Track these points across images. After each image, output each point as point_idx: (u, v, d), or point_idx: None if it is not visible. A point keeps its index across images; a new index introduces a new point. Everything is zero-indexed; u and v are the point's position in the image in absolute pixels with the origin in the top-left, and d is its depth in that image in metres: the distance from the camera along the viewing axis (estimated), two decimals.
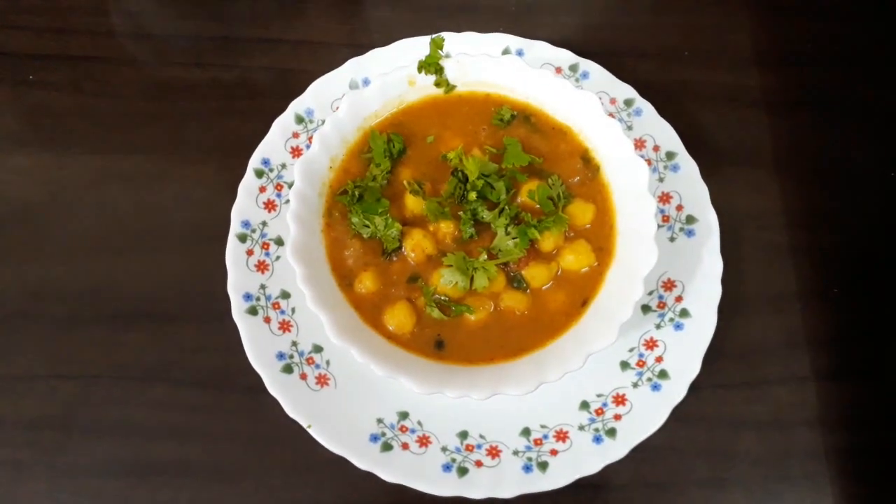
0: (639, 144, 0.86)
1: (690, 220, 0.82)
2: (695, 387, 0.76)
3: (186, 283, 0.84)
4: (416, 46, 0.87)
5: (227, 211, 0.82)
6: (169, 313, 0.83)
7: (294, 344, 0.77)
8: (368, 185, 0.77)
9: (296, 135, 0.86)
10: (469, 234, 0.75)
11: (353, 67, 0.87)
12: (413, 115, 0.82)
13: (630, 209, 0.76)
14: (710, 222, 0.81)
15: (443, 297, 0.74)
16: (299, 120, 0.86)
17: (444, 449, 0.74)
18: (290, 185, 0.82)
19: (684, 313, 0.79)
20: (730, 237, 0.83)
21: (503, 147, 0.79)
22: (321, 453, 0.73)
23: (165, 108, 0.94)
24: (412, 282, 0.75)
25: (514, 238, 0.75)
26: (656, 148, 0.86)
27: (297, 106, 0.86)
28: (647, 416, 0.74)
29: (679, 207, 0.84)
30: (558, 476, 0.73)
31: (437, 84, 0.81)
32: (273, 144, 0.85)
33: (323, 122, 0.81)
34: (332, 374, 0.76)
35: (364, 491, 0.76)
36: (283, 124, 0.85)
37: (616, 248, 0.76)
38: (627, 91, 0.88)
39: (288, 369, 0.76)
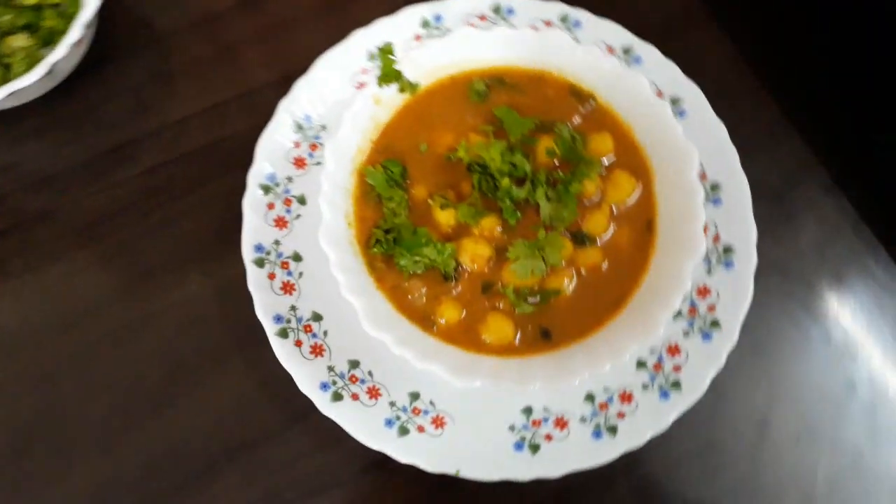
0: None
1: (715, 188, 0.80)
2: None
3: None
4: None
5: None
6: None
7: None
8: (395, 223, 0.71)
9: (270, 206, 0.79)
10: (515, 220, 0.72)
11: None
12: (394, 131, 0.76)
13: (643, 123, 0.75)
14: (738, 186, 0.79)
15: (525, 291, 0.71)
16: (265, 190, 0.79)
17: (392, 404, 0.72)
18: (295, 259, 0.77)
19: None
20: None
21: (498, 121, 0.75)
22: None
23: None
24: (488, 291, 0.72)
25: (558, 201, 0.72)
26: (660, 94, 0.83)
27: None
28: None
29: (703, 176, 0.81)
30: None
31: (402, 90, 0.75)
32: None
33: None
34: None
35: None
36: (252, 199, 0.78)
37: (650, 160, 0.75)
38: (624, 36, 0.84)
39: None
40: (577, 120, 0.77)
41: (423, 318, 0.70)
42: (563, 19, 0.85)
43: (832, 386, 0.83)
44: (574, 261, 0.72)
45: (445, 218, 0.72)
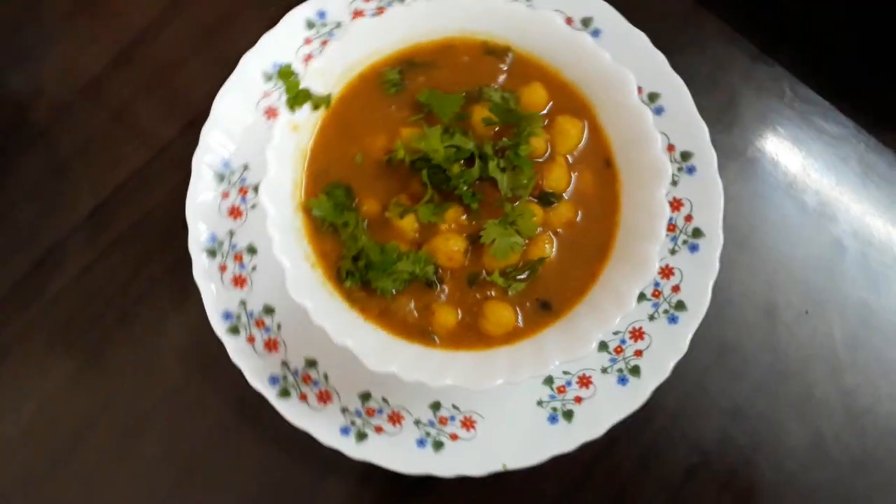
0: None
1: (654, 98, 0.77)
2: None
3: None
4: None
5: None
6: None
7: None
8: (360, 248, 0.67)
9: (223, 267, 0.74)
10: (477, 202, 0.69)
11: None
12: (323, 153, 0.71)
13: (567, 60, 0.71)
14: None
15: (511, 269, 0.68)
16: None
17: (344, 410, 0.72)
18: (267, 311, 0.74)
19: None
20: None
21: (424, 106, 0.71)
22: None
23: None
24: (474, 283, 0.69)
25: (512, 169, 0.68)
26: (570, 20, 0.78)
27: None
28: None
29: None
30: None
31: (316, 106, 0.70)
32: None
33: None
34: None
35: None
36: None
37: (587, 96, 0.72)
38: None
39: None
40: (501, 79, 0.73)
41: (422, 333, 0.67)
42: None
43: (821, 251, 0.84)
44: (548, 223, 0.70)
45: (408, 225, 0.68)
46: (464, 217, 0.69)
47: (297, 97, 0.68)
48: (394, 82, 0.72)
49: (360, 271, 0.67)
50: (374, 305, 0.68)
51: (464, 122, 0.70)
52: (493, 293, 0.68)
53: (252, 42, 0.78)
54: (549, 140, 0.71)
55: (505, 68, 0.73)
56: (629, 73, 0.69)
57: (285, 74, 0.67)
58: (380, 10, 0.78)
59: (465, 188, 0.68)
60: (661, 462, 0.78)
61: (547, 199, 0.70)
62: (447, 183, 0.68)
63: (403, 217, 0.68)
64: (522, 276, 0.69)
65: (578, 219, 0.70)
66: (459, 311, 0.68)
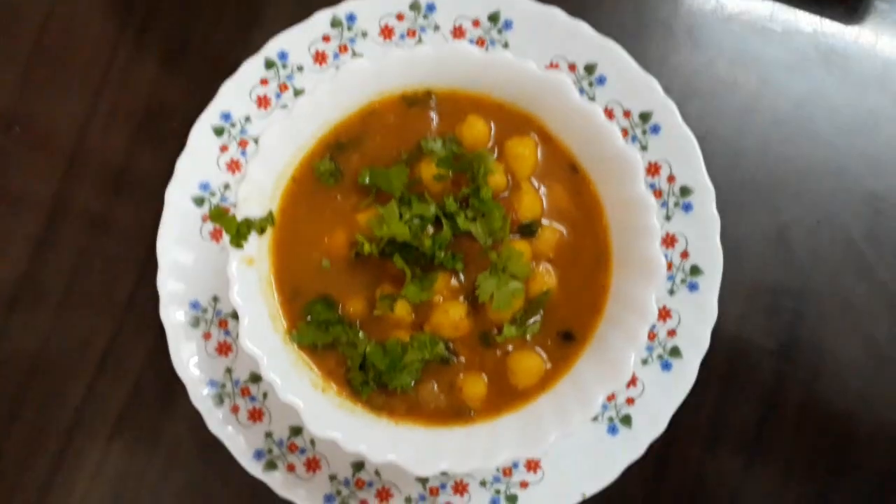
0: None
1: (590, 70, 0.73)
2: None
3: None
4: None
5: None
6: None
7: None
8: (366, 359, 0.64)
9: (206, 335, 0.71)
10: (460, 262, 0.65)
11: None
12: (287, 273, 0.67)
13: (485, 80, 0.66)
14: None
15: (519, 315, 0.65)
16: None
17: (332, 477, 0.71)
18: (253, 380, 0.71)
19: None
20: None
21: (371, 187, 0.66)
22: None
23: None
24: (487, 341, 0.65)
25: (482, 215, 0.64)
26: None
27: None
28: None
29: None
30: None
31: (262, 230, 0.65)
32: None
33: None
34: None
35: None
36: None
37: (529, 110, 0.67)
38: None
39: None
40: (434, 125, 0.68)
41: (458, 414, 0.65)
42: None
43: (812, 157, 0.80)
44: (538, 253, 0.66)
45: (402, 312, 0.64)
46: (453, 282, 0.66)
47: (239, 232, 0.63)
48: (329, 172, 0.67)
49: (373, 379, 0.64)
50: (399, 405, 0.65)
51: (415, 185, 0.66)
52: (511, 347, 0.65)
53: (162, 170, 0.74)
54: (506, 170, 0.66)
55: (433, 114, 0.68)
56: (562, 78, 0.64)
57: (217, 215, 0.62)
58: (281, 99, 0.73)
59: (442, 254, 0.64)
60: (729, 427, 0.76)
61: (528, 230, 0.66)
62: (423, 257, 0.64)
63: (395, 308, 0.64)
64: (535, 318, 0.65)
65: (566, 235, 0.67)
66: (485, 376, 0.65)
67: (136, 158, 0.82)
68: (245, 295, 0.63)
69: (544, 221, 0.67)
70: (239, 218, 0.63)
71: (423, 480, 0.72)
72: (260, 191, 0.65)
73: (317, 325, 0.65)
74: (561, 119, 0.65)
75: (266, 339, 0.63)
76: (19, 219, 0.81)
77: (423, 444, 0.63)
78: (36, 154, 0.82)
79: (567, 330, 0.65)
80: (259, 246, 0.65)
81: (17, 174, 0.82)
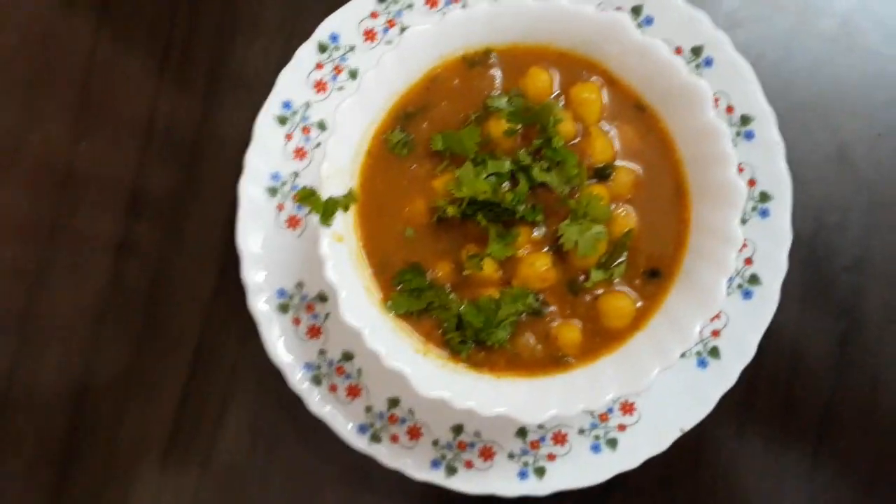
0: None
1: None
2: None
3: None
4: None
5: None
6: None
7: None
8: (462, 319, 0.66)
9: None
10: (541, 214, 0.66)
11: None
12: (373, 244, 0.68)
13: (552, 30, 0.67)
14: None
15: (604, 258, 0.66)
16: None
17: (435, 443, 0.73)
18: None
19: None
20: None
21: (445, 152, 0.67)
22: None
23: None
24: (576, 288, 0.67)
25: (556, 165, 0.65)
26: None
27: None
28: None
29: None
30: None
31: (346, 208, 0.67)
32: None
33: None
34: None
35: None
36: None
37: (591, 56, 0.68)
38: None
39: None
40: (498, 82, 0.69)
41: (556, 362, 0.66)
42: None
43: (861, 71, 0.80)
44: (615, 195, 0.67)
45: (489, 270, 0.66)
46: (535, 233, 0.67)
47: (326, 210, 0.64)
48: (402, 142, 0.68)
49: (469, 337, 0.65)
50: (498, 360, 0.67)
51: (487, 144, 0.67)
52: (600, 290, 0.67)
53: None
54: (574, 117, 0.67)
55: (495, 72, 0.69)
56: (621, 16, 0.65)
57: (305, 196, 0.64)
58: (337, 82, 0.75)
59: (522, 208, 0.65)
60: (813, 346, 0.78)
61: (603, 173, 0.67)
62: (504, 213, 0.66)
63: (482, 266, 0.65)
64: (620, 260, 0.66)
65: (641, 173, 0.68)
66: (579, 322, 0.67)
67: (204, 161, 0.83)
68: (339, 270, 0.64)
69: (618, 163, 0.68)
70: (324, 197, 0.64)
71: (523, 435, 0.73)
72: (338, 170, 0.66)
73: (409, 292, 0.66)
74: (622, 59, 0.66)
75: (364, 312, 0.65)
76: (96, 225, 0.83)
77: (528, 394, 0.64)
78: (98, 193, 0.84)
79: (653, 267, 0.66)
80: (345, 222, 0.67)
81: (85, 207, 0.84)
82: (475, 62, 0.68)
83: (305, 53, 0.76)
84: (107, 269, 0.83)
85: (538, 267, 0.65)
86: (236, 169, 0.76)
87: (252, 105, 0.77)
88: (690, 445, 0.74)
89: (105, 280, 0.83)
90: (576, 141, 0.68)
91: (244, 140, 0.76)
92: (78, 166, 0.84)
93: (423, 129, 0.68)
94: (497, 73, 0.69)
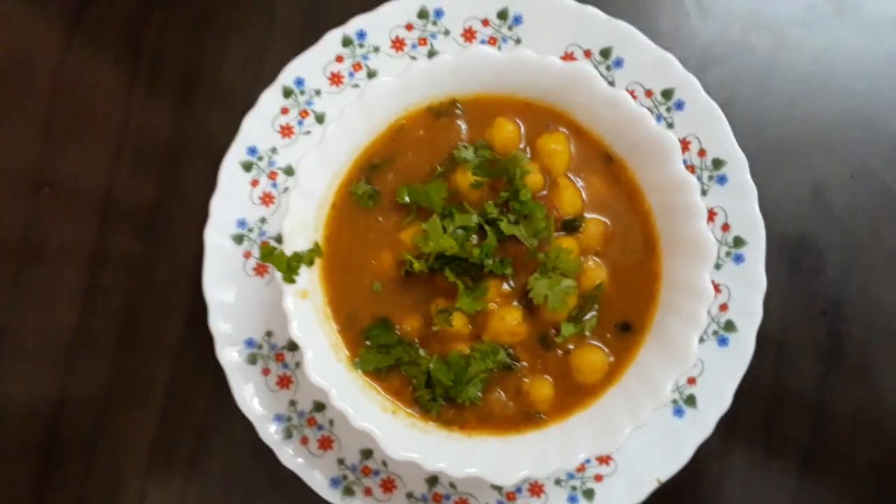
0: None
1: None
2: None
3: None
4: None
5: None
6: None
7: None
8: (431, 377, 0.64)
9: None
10: (510, 267, 0.65)
11: None
12: (341, 299, 0.67)
13: (517, 79, 0.66)
14: None
15: (575, 312, 0.65)
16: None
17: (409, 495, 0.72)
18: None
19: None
20: None
21: (411, 205, 0.66)
22: None
23: None
24: (546, 343, 0.66)
25: (525, 217, 0.64)
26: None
27: None
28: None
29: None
30: None
31: (310, 262, 0.65)
32: None
33: None
34: None
35: None
36: None
37: (558, 106, 0.67)
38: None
39: None
40: (464, 133, 0.68)
41: (529, 419, 0.65)
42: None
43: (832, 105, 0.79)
44: (584, 248, 0.66)
45: (460, 325, 0.65)
46: (504, 286, 0.66)
47: (290, 267, 0.63)
48: (367, 194, 0.67)
49: (439, 395, 0.64)
50: (469, 417, 0.65)
51: (454, 196, 0.66)
52: (571, 346, 0.65)
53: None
54: (541, 168, 0.66)
55: (461, 122, 0.68)
56: (586, 67, 0.64)
57: (267, 255, 0.62)
58: (303, 126, 0.74)
59: (491, 262, 0.64)
60: (791, 392, 0.77)
61: (571, 226, 0.66)
62: (473, 267, 0.64)
63: (451, 321, 0.64)
64: (591, 313, 0.65)
65: (610, 226, 0.67)
66: (550, 378, 0.65)
67: (167, 200, 0.82)
68: (304, 328, 0.63)
69: (587, 215, 0.66)
70: (287, 253, 0.63)
71: (499, 487, 0.72)
72: (303, 223, 0.65)
73: (377, 348, 0.65)
74: (589, 109, 0.65)
75: (331, 370, 0.64)
76: (62, 273, 0.81)
77: (500, 453, 0.63)
78: (68, 210, 0.82)
79: (625, 321, 0.65)
80: (309, 279, 0.65)
81: (53, 232, 0.82)
82: (441, 113, 0.67)
83: (270, 98, 0.74)
84: (78, 302, 0.81)
85: (508, 321, 0.64)
86: (204, 207, 0.74)
87: (222, 135, 0.76)
88: (667, 496, 0.73)
89: (76, 318, 0.81)
90: (543, 193, 0.66)
91: (214, 172, 0.74)
92: (50, 179, 0.82)
93: (390, 181, 0.67)
94: (463, 124, 0.68)
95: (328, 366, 0.64)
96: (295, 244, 0.64)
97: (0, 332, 0.81)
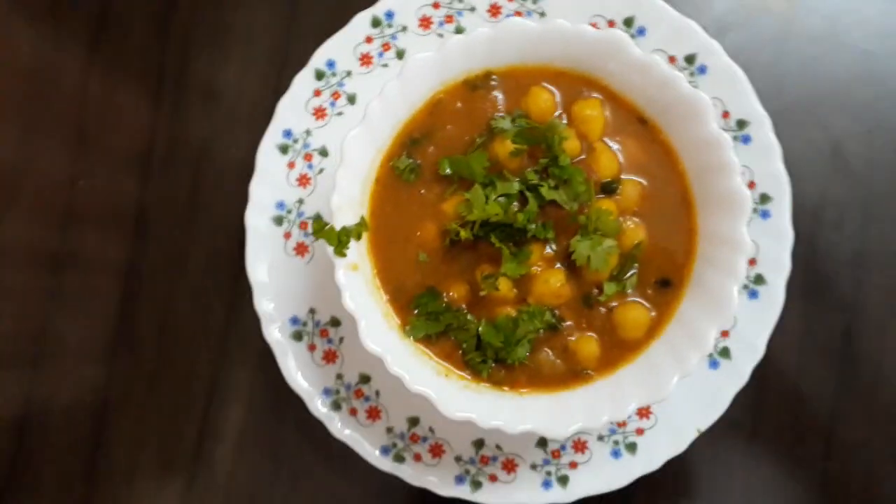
0: None
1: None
2: None
3: None
4: None
5: None
6: None
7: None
8: (481, 339, 0.67)
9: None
10: (552, 230, 0.67)
11: None
12: (389, 271, 0.69)
13: (549, 48, 0.68)
14: None
15: (616, 270, 0.67)
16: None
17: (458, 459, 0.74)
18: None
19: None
20: None
21: (453, 177, 0.68)
22: None
23: None
24: (590, 302, 0.68)
25: (564, 182, 0.66)
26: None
27: None
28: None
29: None
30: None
31: (358, 236, 0.67)
32: None
33: None
34: None
35: None
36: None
37: (590, 72, 0.69)
38: None
39: None
40: (501, 104, 0.70)
41: (577, 375, 0.67)
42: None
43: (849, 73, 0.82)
44: (623, 209, 0.68)
45: (505, 289, 0.67)
46: (547, 250, 0.68)
47: (340, 241, 0.65)
48: (409, 168, 0.69)
49: (489, 356, 0.67)
50: (519, 377, 0.68)
51: (494, 165, 0.68)
52: (614, 303, 0.68)
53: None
54: (577, 134, 0.68)
55: (497, 94, 0.70)
56: (619, 33, 0.66)
57: (318, 230, 0.64)
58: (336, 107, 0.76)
59: (533, 226, 0.66)
60: (819, 341, 0.80)
61: (609, 188, 0.68)
62: (516, 232, 0.66)
63: (498, 286, 0.66)
64: (631, 272, 0.68)
65: (647, 185, 0.69)
66: (595, 335, 0.68)
67: (199, 194, 0.84)
68: (356, 299, 0.65)
69: (624, 177, 0.69)
70: (337, 228, 0.65)
71: (544, 445, 0.75)
72: (350, 198, 0.67)
73: (427, 316, 0.67)
74: (622, 75, 0.67)
75: (383, 338, 0.66)
76: (100, 273, 0.83)
77: (551, 408, 0.66)
78: (102, 212, 0.84)
79: (664, 277, 0.68)
80: (358, 251, 0.67)
81: (90, 233, 0.84)
82: (477, 85, 0.69)
83: (303, 81, 0.76)
84: (116, 303, 0.83)
85: (552, 283, 0.66)
86: (238, 198, 0.77)
87: (251, 132, 0.78)
88: (706, 445, 0.76)
89: (115, 317, 0.83)
90: (581, 157, 0.69)
91: (245, 168, 0.76)
92: (78, 201, 0.84)
93: (430, 154, 0.69)
94: (499, 95, 0.70)
95: (381, 334, 0.66)
96: (343, 219, 0.66)
97: (42, 333, 0.83)
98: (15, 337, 0.83)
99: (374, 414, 0.75)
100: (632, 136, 0.69)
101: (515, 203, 0.67)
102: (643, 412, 0.74)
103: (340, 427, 0.74)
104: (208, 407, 0.82)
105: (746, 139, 0.75)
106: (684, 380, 0.71)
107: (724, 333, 0.74)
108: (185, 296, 0.83)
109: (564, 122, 0.69)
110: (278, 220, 0.76)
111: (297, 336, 0.76)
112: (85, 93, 0.85)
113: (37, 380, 0.83)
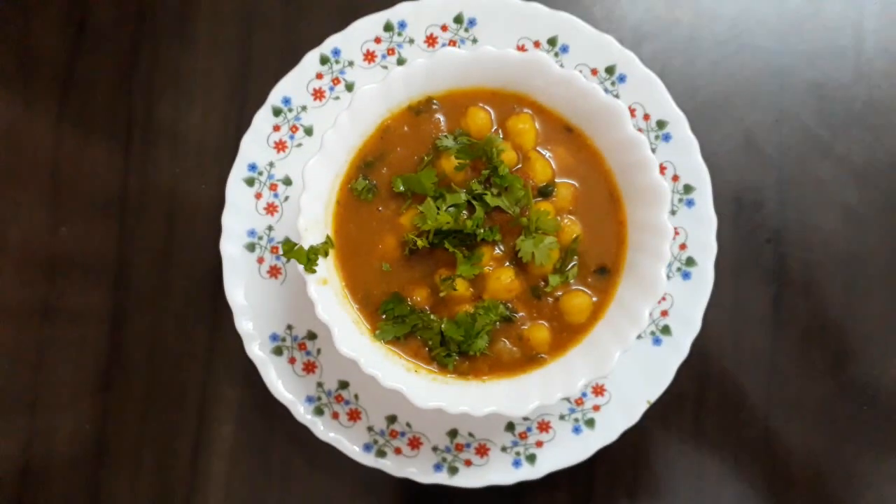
0: None
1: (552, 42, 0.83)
2: None
3: None
4: None
5: None
6: None
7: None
8: (444, 336, 0.74)
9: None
10: (498, 233, 0.75)
11: None
12: (356, 282, 0.76)
13: (481, 72, 0.76)
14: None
15: (559, 264, 0.75)
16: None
17: (435, 449, 0.82)
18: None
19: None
20: None
21: (406, 193, 0.76)
22: None
23: None
24: (538, 293, 0.76)
25: (506, 190, 0.74)
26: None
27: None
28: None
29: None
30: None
31: (325, 253, 0.75)
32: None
33: None
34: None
35: None
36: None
37: (518, 90, 0.77)
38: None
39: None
40: (443, 124, 0.78)
41: (532, 360, 0.75)
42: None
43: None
44: (559, 209, 0.76)
45: (462, 289, 0.74)
46: (496, 251, 0.76)
47: (309, 259, 0.72)
48: (366, 189, 0.76)
49: (453, 350, 0.74)
50: (481, 366, 0.75)
51: (441, 180, 0.75)
52: (560, 293, 0.76)
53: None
54: (513, 146, 0.77)
55: (439, 116, 0.78)
56: (541, 55, 0.74)
57: (288, 250, 0.71)
58: (295, 139, 0.83)
59: (482, 231, 0.74)
60: (751, 312, 0.89)
61: (546, 191, 0.76)
62: (467, 237, 0.74)
63: (455, 286, 0.74)
64: (572, 263, 0.76)
65: (579, 187, 0.77)
66: (546, 323, 0.76)
67: (181, 226, 0.91)
68: (328, 310, 0.72)
69: (557, 180, 0.77)
70: (305, 247, 0.72)
71: (512, 429, 0.82)
72: (315, 220, 0.74)
73: (394, 319, 0.74)
74: (547, 90, 0.76)
75: (356, 343, 0.73)
76: (88, 316, 0.90)
77: (512, 391, 0.73)
78: (87, 260, 0.91)
79: (601, 265, 0.76)
80: (327, 266, 0.75)
81: (75, 268, 0.90)
82: (420, 110, 0.77)
83: (262, 118, 0.83)
84: (105, 337, 0.89)
85: (504, 280, 0.74)
86: (212, 230, 0.83)
87: (219, 168, 0.86)
88: (657, 416, 0.84)
89: (105, 352, 0.89)
90: (518, 167, 0.77)
91: (216, 202, 0.83)
92: (60, 250, 0.90)
93: (384, 175, 0.77)
94: (441, 117, 0.78)
95: (354, 340, 0.73)
96: (311, 239, 0.73)
97: (36, 367, 0.89)
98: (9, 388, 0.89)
99: (354, 415, 0.82)
100: (561, 144, 0.77)
101: (464, 211, 0.75)
102: (598, 390, 0.82)
103: (324, 430, 0.81)
104: (201, 424, 0.88)
105: (667, 137, 0.83)
106: (632, 357, 0.80)
107: (664, 313, 0.82)
108: (170, 324, 0.89)
109: (501, 136, 0.77)
110: (251, 247, 0.83)
111: (278, 351, 0.82)
112: (58, 146, 0.92)
113: (34, 423, 0.89)
